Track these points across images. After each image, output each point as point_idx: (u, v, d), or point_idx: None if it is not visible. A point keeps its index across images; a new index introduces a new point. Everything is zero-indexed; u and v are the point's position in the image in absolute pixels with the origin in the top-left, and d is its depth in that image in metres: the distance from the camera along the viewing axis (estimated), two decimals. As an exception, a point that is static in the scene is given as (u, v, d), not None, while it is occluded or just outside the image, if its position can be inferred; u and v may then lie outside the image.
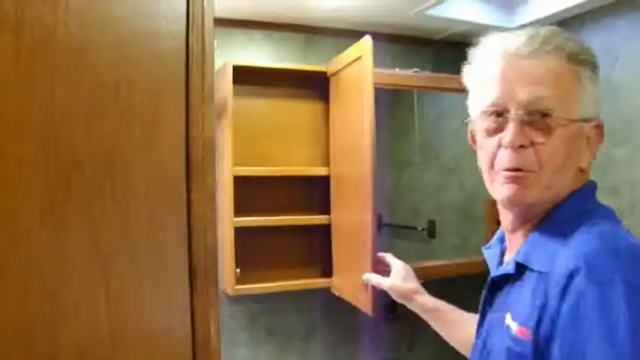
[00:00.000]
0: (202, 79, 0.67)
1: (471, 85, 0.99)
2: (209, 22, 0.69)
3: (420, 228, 2.43)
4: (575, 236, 0.85)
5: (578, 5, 2.20)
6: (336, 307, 2.17)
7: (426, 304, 1.38)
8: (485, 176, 0.96)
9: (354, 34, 1.95)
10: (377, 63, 1.79)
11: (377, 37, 1.80)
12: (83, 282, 0.52)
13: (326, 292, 2.09)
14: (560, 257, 0.84)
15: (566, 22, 2.32)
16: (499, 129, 0.92)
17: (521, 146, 0.89)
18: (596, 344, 0.74)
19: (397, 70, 2.13)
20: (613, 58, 2.09)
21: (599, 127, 0.94)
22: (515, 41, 0.91)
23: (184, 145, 0.64)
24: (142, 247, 0.59)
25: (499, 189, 0.93)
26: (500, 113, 0.92)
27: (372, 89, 1.76)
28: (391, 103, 2.38)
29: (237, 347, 2.12)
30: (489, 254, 1.07)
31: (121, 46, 0.58)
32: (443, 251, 2.45)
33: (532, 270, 0.89)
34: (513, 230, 0.98)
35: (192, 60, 0.66)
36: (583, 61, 0.91)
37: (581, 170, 0.94)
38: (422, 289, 1.41)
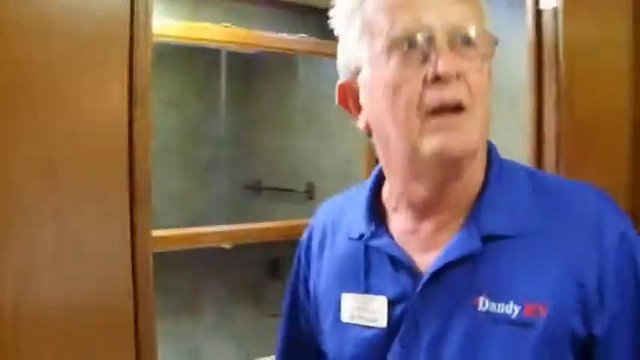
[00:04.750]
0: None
1: (358, 23, 0.76)
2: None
3: (299, 190, 2.56)
4: (550, 187, 0.79)
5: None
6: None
7: None
8: (404, 130, 0.73)
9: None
10: (264, 27, 1.85)
11: (266, 2, 1.86)
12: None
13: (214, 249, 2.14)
14: (559, 211, 0.76)
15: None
16: (421, 60, 0.71)
17: (445, 80, 0.70)
18: None
19: (285, 35, 2.22)
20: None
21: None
22: None
23: (127, 78, 0.68)
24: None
25: (429, 138, 0.72)
26: (413, 43, 0.71)
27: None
28: (275, 69, 2.48)
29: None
30: (382, 245, 0.82)
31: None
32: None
33: (504, 238, 0.75)
34: (425, 212, 0.80)
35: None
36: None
37: None
38: None
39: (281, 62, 2.51)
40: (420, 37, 0.70)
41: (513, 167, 0.82)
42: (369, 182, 0.88)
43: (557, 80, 1.25)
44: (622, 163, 1.17)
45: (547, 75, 1.26)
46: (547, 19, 1.29)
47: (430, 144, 0.71)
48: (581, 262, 0.72)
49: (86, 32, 0.76)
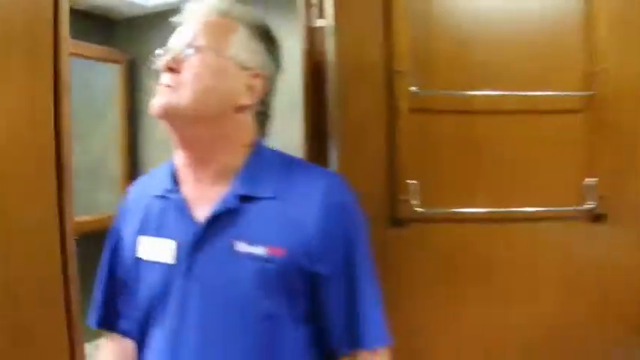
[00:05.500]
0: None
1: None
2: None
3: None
4: (298, 168, 1.12)
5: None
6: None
7: None
8: None
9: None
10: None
11: None
12: None
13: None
14: (301, 184, 1.07)
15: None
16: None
17: (172, 69, 1.05)
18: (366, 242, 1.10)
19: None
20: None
21: (258, 77, 1.11)
22: (198, 6, 1.12)
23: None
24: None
25: (152, 102, 1.06)
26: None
27: None
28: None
29: None
30: (174, 200, 1.11)
31: None
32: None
33: (258, 199, 1.05)
34: (199, 176, 1.10)
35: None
36: (242, 20, 1.12)
37: (239, 111, 1.10)
38: None
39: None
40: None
41: (271, 152, 1.14)
42: (172, 159, 1.17)
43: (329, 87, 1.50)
44: (379, 156, 1.45)
45: (320, 82, 1.51)
46: (319, 35, 1.53)
47: (151, 105, 1.05)
48: (310, 220, 1.04)
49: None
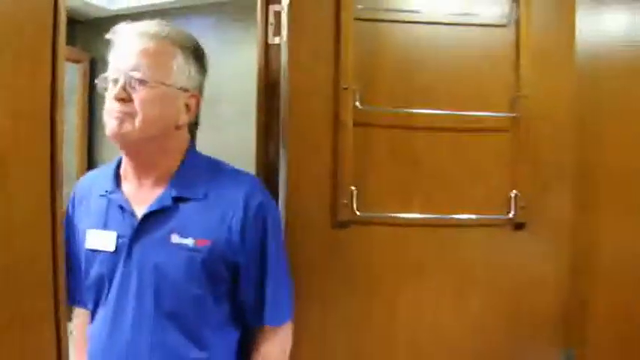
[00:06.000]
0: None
1: (110, 57, 1.30)
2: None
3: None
4: (223, 172, 1.33)
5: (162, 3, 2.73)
6: None
7: None
8: (106, 126, 1.27)
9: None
10: None
11: None
12: None
13: None
14: (226, 187, 1.29)
15: (154, 13, 2.77)
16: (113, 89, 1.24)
17: (122, 99, 1.21)
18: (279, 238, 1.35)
19: None
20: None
21: (195, 97, 1.32)
22: (134, 28, 1.26)
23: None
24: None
25: (109, 125, 1.24)
26: (116, 80, 1.24)
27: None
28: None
29: None
30: (116, 198, 1.30)
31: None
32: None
33: (189, 199, 1.26)
34: (140, 179, 1.30)
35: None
36: (186, 48, 1.29)
37: (179, 128, 1.30)
38: None
39: None
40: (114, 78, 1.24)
41: (201, 157, 1.35)
42: (115, 160, 1.36)
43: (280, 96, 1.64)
44: (325, 163, 1.59)
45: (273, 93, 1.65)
46: (274, 51, 1.67)
47: (107, 127, 1.25)
48: (233, 216, 1.26)
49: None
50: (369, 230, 1.59)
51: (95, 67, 3.27)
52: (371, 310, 1.60)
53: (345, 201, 1.55)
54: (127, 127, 1.22)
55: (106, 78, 1.26)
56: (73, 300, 1.35)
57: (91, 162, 3.29)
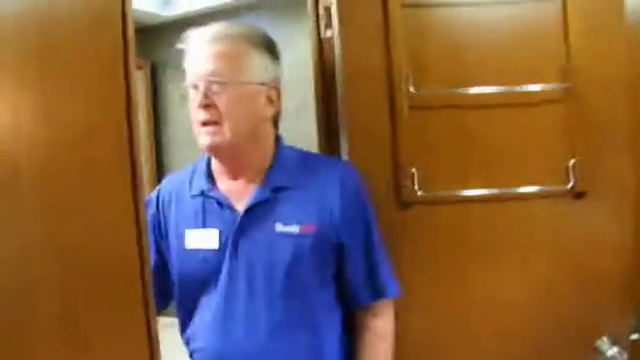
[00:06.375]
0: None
1: (186, 65, 1.34)
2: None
3: None
4: (315, 160, 1.42)
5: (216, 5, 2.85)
6: None
7: None
8: (196, 134, 1.32)
9: None
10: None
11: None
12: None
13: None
14: (321, 173, 1.35)
15: (209, 15, 2.89)
16: (196, 95, 1.28)
17: (206, 106, 1.26)
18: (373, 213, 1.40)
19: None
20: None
21: (275, 88, 1.35)
22: (204, 33, 1.30)
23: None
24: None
25: (201, 139, 1.29)
26: (195, 85, 1.29)
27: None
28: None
29: None
30: (214, 195, 1.36)
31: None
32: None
33: (287, 189, 1.32)
34: (234, 176, 1.36)
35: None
36: (258, 43, 1.33)
37: (265, 121, 1.35)
38: None
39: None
40: (194, 84, 1.28)
41: (290, 149, 1.41)
42: (203, 160, 1.40)
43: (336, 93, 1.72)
44: (384, 148, 1.66)
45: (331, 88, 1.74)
46: (327, 44, 1.75)
47: (200, 142, 1.30)
48: (331, 201, 1.31)
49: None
50: (433, 209, 1.65)
51: (156, 72, 3.43)
52: (440, 287, 1.67)
53: (407, 182, 1.62)
54: (219, 138, 1.27)
55: (185, 87, 1.32)
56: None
57: (159, 165, 3.46)
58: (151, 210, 1.43)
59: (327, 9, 1.75)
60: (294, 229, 1.29)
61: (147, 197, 1.45)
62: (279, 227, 1.30)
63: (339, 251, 1.33)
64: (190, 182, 1.41)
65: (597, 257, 1.68)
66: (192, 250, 1.34)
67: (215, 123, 1.27)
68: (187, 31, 1.33)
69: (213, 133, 1.27)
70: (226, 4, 2.99)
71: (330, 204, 1.31)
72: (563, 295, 1.68)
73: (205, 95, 1.26)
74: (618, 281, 1.68)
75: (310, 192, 1.32)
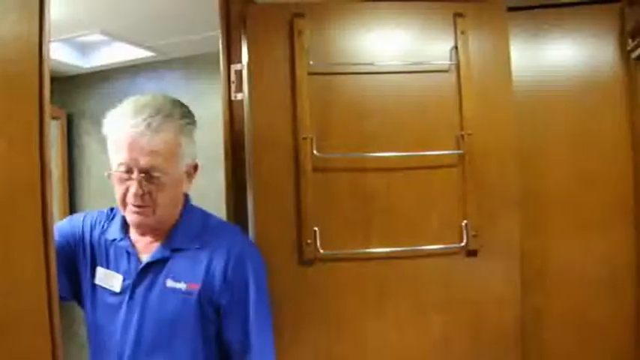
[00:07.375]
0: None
1: (109, 142, 1.41)
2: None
3: None
4: (211, 224, 1.51)
5: (134, 59, 2.87)
6: None
7: None
8: (119, 205, 1.43)
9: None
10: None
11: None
12: None
13: None
14: (214, 238, 1.46)
15: (126, 69, 2.91)
16: (128, 178, 1.37)
17: (142, 195, 1.37)
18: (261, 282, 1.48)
19: None
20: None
21: (196, 166, 1.49)
22: (137, 119, 1.34)
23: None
24: None
25: (129, 215, 1.42)
26: (128, 170, 1.36)
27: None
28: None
29: None
30: (124, 245, 1.48)
31: None
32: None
33: (182, 250, 1.44)
34: (143, 234, 1.47)
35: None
36: (185, 127, 1.42)
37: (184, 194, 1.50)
38: None
39: None
40: (127, 169, 1.36)
41: (195, 211, 1.53)
42: (119, 212, 1.48)
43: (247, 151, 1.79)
44: (289, 207, 1.73)
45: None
46: (237, 106, 1.83)
47: (128, 218, 1.43)
48: (218, 265, 1.42)
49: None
50: (333, 266, 1.73)
51: (72, 122, 3.41)
52: (339, 339, 1.73)
53: (309, 241, 1.69)
54: (148, 219, 1.41)
55: (119, 165, 1.38)
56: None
57: (72, 210, 3.40)
58: (84, 221, 1.55)
59: (239, 72, 1.83)
60: (181, 285, 1.42)
61: (76, 215, 1.60)
62: (170, 283, 1.42)
63: (218, 311, 1.43)
64: (107, 227, 1.53)
65: (489, 311, 1.79)
66: (98, 286, 1.47)
67: (147, 207, 1.39)
68: (112, 113, 1.41)
69: (145, 215, 1.40)
70: (143, 59, 3.04)
71: (214, 267, 1.42)
72: (459, 348, 1.78)
73: (140, 185, 1.36)
74: (509, 332, 1.79)
75: (202, 254, 1.44)
